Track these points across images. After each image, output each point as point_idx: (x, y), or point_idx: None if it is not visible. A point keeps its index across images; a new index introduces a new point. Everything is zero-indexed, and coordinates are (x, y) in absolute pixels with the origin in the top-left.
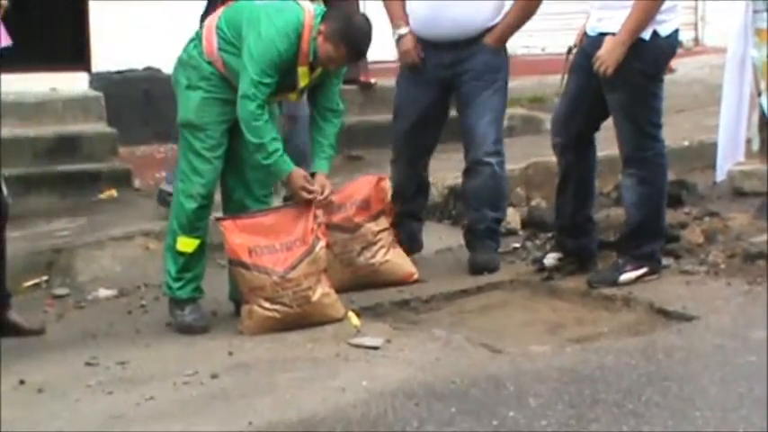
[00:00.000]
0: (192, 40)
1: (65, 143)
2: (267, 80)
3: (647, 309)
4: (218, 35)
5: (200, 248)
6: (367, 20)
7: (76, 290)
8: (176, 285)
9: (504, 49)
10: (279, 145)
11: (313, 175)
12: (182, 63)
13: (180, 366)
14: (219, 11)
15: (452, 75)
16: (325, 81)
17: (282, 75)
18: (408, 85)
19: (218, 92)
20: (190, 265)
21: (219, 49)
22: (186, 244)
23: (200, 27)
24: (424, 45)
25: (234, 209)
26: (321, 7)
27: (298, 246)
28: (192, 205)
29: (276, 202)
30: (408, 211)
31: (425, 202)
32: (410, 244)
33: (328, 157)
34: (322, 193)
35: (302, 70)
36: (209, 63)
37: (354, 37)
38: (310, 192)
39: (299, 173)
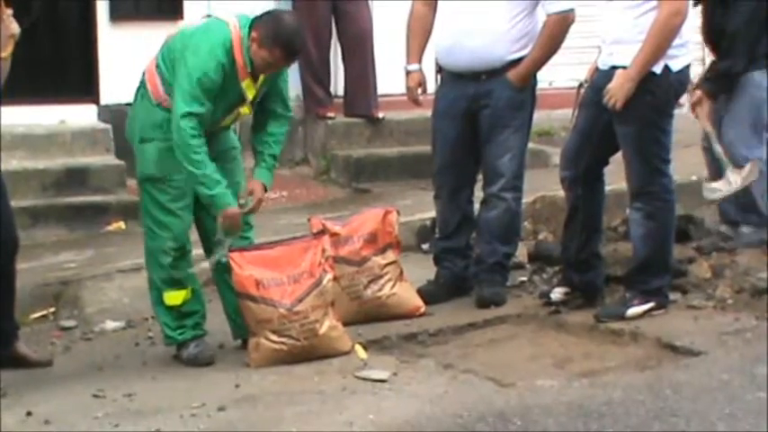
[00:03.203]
0: (138, 89)
1: (73, 175)
2: (197, 108)
3: (654, 343)
4: (159, 75)
5: (193, 294)
6: (294, 17)
7: (84, 322)
8: (177, 333)
9: (531, 85)
10: (219, 176)
11: None
12: (133, 115)
13: (187, 399)
14: (157, 53)
15: (475, 108)
16: (275, 88)
17: (226, 93)
18: (438, 120)
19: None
20: (186, 312)
21: (165, 91)
22: (174, 297)
23: (143, 73)
24: (448, 76)
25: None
26: (247, 17)
27: (305, 278)
28: (167, 260)
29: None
30: (452, 247)
31: (469, 237)
32: (455, 285)
33: (270, 168)
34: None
35: (246, 83)
36: (158, 106)
37: (287, 37)
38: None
39: (235, 210)
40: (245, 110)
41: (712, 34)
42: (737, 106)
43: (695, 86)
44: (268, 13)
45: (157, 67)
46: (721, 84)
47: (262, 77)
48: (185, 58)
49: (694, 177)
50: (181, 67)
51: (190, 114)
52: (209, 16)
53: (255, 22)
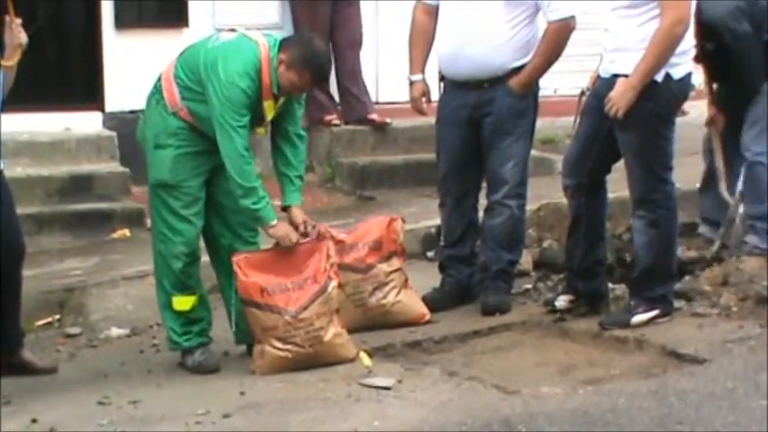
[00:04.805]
0: (152, 95)
1: (78, 182)
2: (244, 121)
3: (659, 351)
4: (177, 84)
5: (200, 301)
6: (323, 42)
7: (89, 329)
8: (183, 339)
9: (533, 92)
10: (265, 191)
11: (285, 209)
12: (146, 119)
13: (192, 406)
14: (174, 59)
15: (477, 116)
16: (290, 108)
17: (251, 113)
18: (441, 129)
19: (189, 145)
20: (193, 319)
21: (183, 98)
22: (182, 302)
23: (158, 79)
24: (450, 85)
25: (224, 255)
26: (274, 38)
27: (309, 284)
28: (178, 265)
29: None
30: (457, 255)
31: (474, 245)
32: (460, 293)
33: (300, 189)
34: (305, 227)
35: (268, 104)
36: (174, 115)
37: (318, 61)
38: (293, 238)
39: (284, 223)
40: (261, 130)
41: (717, 69)
42: (757, 114)
43: (709, 103)
44: (298, 36)
45: (176, 76)
46: (738, 100)
47: (282, 99)
48: (220, 77)
49: (698, 185)
50: (214, 83)
51: (241, 127)
52: (233, 30)
53: (284, 44)
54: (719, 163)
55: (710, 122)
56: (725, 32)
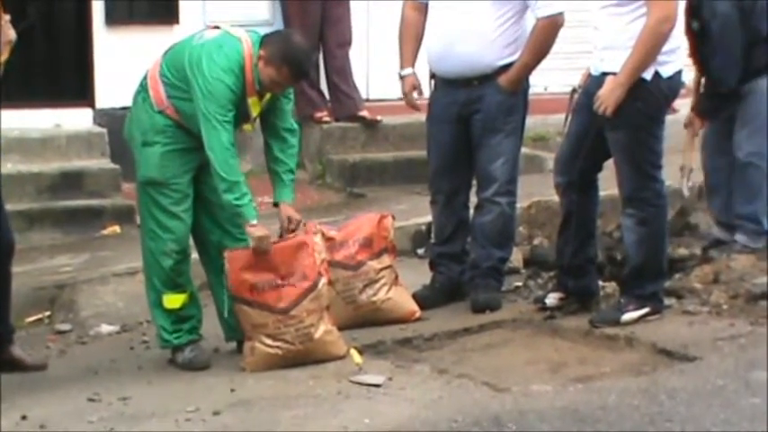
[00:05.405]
0: (138, 93)
1: (68, 179)
2: (229, 116)
3: (649, 349)
4: (163, 83)
5: (190, 299)
6: (303, 38)
7: (79, 325)
8: (173, 336)
9: (523, 89)
10: (248, 190)
11: (275, 205)
12: (133, 118)
13: (182, 403)
14: (159, 58)
15: (467, 113)
16: (277, 103)
17: (235, 109)
18: (431, 126)
19: (176, 143)
20: (183, 316)
21: (168, 96)
22: (173, 300)
23: (144, 78)
24: (440, 82)
25: (213, 252)
26: (257, 34)
27: (300, 282)
28: (168, 262)
29: None
30: (447, 252)
31: (465, 242)
32: (450, 290)
33: (290, 184)
34: (289, 224)
35: (252, 100)
36: (160, 113)
37: (295, 56)
38: (263, 250)
39: (261, 228)
40: (248, 127)
41: (700, 59)
42: (749, 113)
43: (691, 108)
44: (278, 32)
45: (162, 74)
46: (714, 103)
47: (267, 95)
48: (204, 73)
49: (690, 183)
50: (199, 80)
51: (226, 122)
52: (217, 27)
53: (265, 40)
54: (688, 162)
55: (688, 124)
56: (706, 9)
